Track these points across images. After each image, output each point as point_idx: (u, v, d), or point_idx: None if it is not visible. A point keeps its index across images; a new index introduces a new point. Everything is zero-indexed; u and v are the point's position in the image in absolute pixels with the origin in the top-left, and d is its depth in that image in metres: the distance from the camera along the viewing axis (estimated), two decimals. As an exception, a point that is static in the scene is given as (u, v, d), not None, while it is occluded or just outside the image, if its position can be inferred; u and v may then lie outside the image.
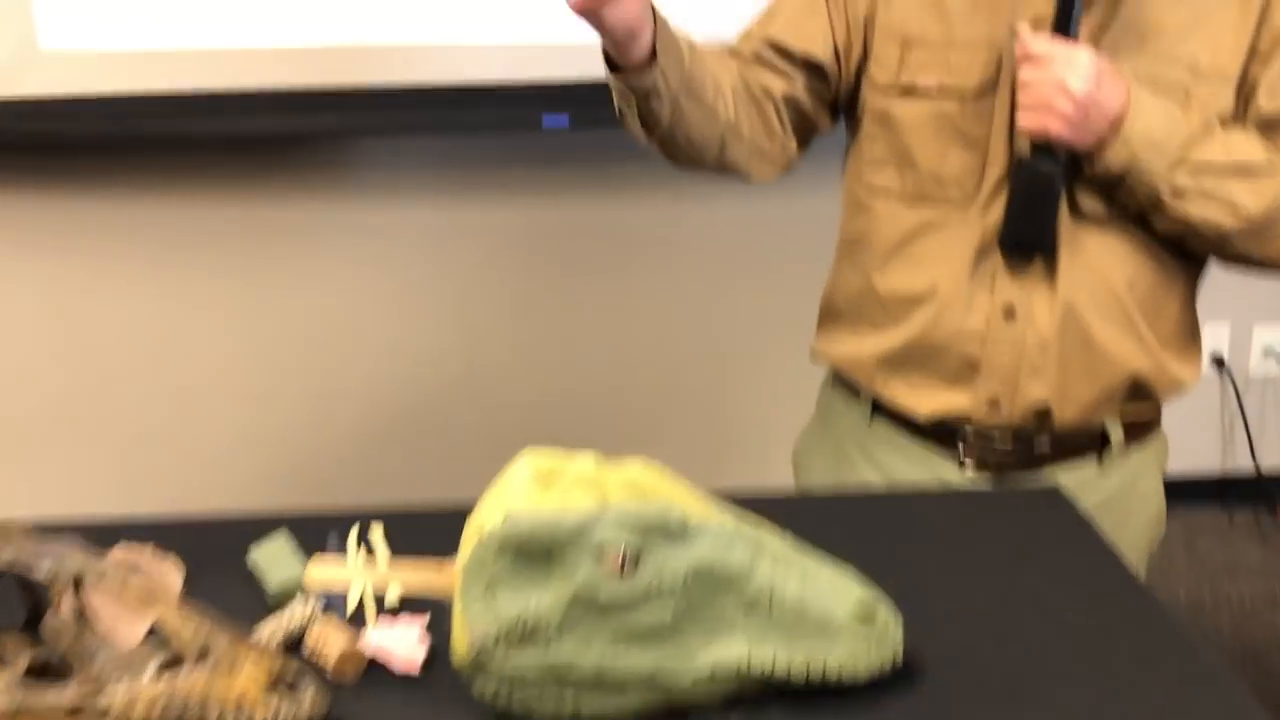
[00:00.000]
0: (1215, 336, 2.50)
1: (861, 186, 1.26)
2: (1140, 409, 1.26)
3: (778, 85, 1.21)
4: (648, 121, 1.11)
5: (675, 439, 2.34)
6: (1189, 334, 1.27)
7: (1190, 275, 1.24)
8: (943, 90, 1.18)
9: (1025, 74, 1.11)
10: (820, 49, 1.21)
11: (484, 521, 0.77)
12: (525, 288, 2.23)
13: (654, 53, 1.06)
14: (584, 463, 0.80)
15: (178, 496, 2.16)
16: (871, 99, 1.23)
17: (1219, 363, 2.55)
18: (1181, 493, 2.55)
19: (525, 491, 0.77)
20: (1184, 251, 1.21)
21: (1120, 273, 1.19)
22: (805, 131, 1.26)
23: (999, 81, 1.17)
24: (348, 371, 2.21)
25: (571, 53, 1.96)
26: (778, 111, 1.21)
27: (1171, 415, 1.32)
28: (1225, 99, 1.15)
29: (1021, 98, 1.11)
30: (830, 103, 1.26)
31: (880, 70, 1.21)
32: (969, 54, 1.18)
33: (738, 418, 2.35)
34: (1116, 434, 1.25)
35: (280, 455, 2.21)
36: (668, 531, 0.76)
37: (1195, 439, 2.58)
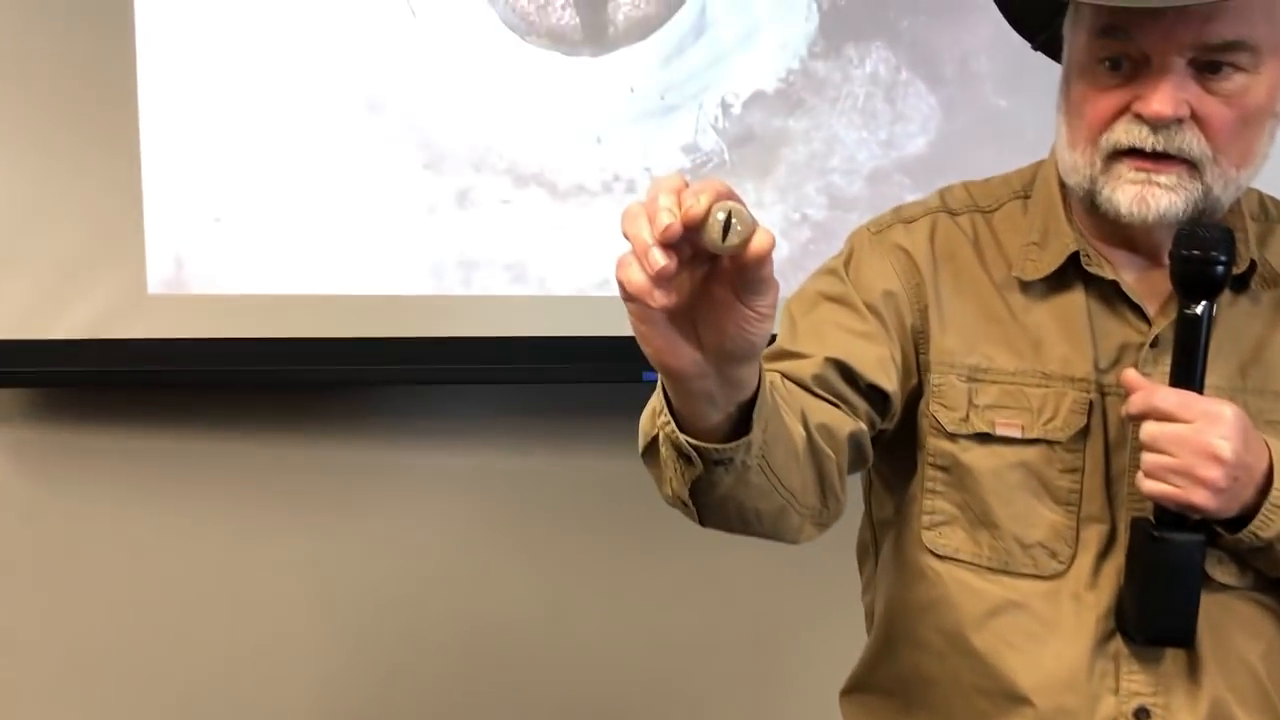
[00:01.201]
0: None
1: (916, 546, 1.08)
2: None
3: (843, 423, 0.98)
4: (698, 486, 0.85)
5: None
6: None
7: None
8: (1026, 436, 1.02)
9: (1154, 433, 0.94)
10: (885, 377, 1.02)
11: None
12: (610, 541, 2.12)
13: (743, 423, 0.81)
14: None
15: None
16: (933, 443, 1.06)
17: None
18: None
19: None
20: None
21: (1255, 648, 1.02)
22: (855, 471, 1.05)
23: (1090, 426, 1.02)
24: (423, 627, 2.10)
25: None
26: (839, 462, 0.96)
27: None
28: None
29: (1150, 461, 0.94)
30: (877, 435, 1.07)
31: (945, 410, 1.05)
32: (1053, 392, 1.03)
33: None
34: None
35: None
36: None
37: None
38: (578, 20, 1.89)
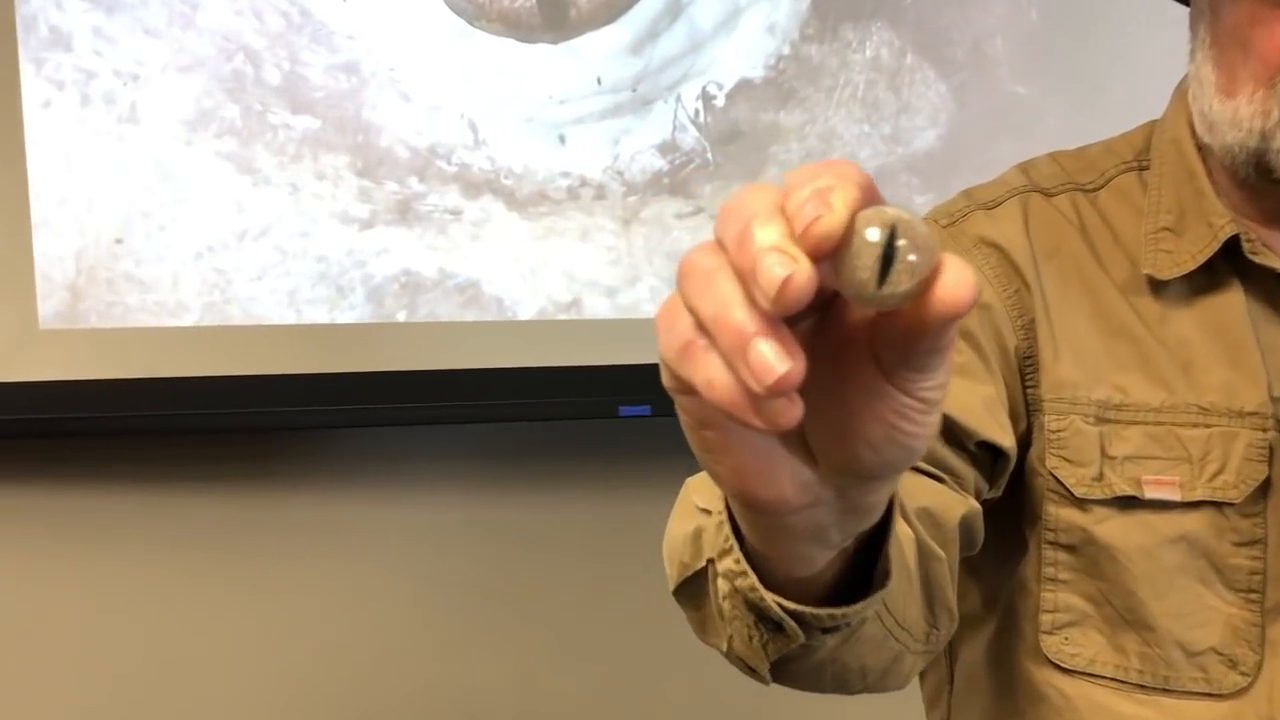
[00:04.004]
0: None
1: (1031, 656, 0.81)
2: None
3: (951, 504, 0.71)
4: (789, 654, 0.56)
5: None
6: None
7: None
8: (1187, 498, 0.76)
9: None
10: (998, 427, 0.76)
11: None
12: (588, 599, 1.87)
13: (861, 560, 0.53)
14: None
15: None
16: (1054, 512, 0.80)
17: None
18: None
19: None
20: None
21: None
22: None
23: (1271, 481, 0.76)
24: (373, 701, 1.84)
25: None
26: (950, 562, 0.69)
27: None
28: None
29: None
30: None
31: (1069, 466, 0.79)
32: (1217, 432, 0.77)
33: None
34: None
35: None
36: None
37: None
38: (534, 1, 1.65)
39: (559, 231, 1.70)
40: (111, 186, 1.59)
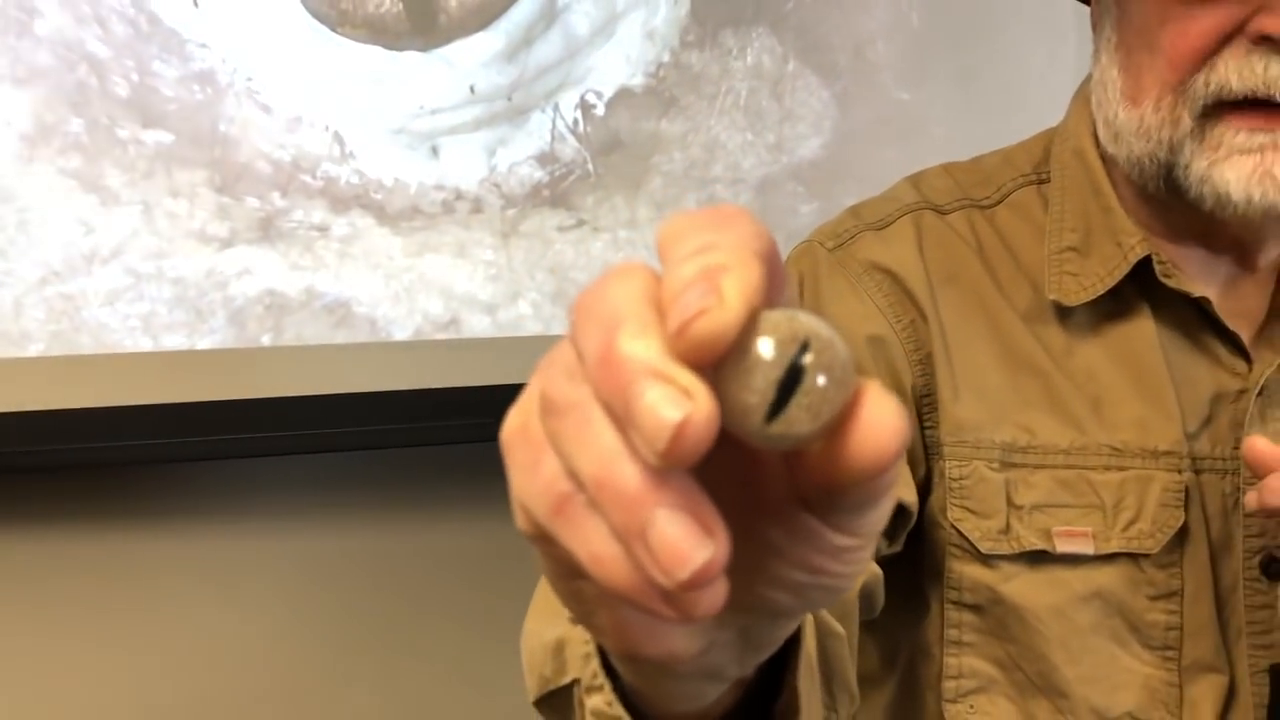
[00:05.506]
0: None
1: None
2: None
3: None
4: None
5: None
6: None
7: None
8: (1101, 551, 0.71)
9: None
10: (899, 483, 0.66)
11: None
12: (475, 633, 1.80)
13: (760, 685, 0.45)
14: None
15: None
16: (957, 569, 0.74)
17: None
18: None
19: None
20: None
21: None
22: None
23: (1188, 527, 0.71)
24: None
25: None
26: (849, 638, 0.61)
27: None
28: None
29: None
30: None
31: (973, 518, 0.73)
32: (1132, 475, 0.72)
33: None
34: None
35: None
36: None
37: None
38: (401, 7, 1.57)
39: (434, 247, 1.62)
40: (-57, 207, 1.48)
